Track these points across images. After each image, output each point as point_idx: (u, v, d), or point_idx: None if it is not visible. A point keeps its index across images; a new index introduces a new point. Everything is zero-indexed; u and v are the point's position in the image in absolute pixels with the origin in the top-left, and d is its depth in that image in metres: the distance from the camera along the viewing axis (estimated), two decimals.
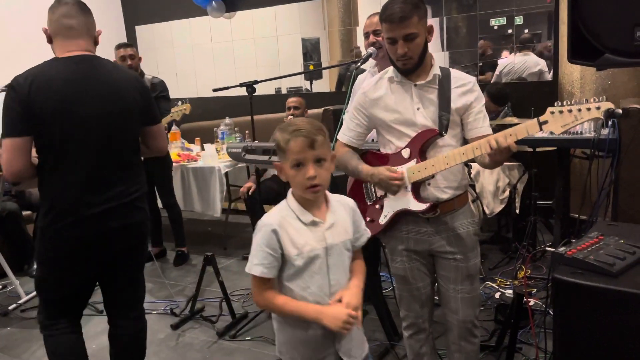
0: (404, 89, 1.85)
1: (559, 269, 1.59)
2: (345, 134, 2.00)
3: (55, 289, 2.04)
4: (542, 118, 1.58)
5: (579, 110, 1.51)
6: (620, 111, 1.49)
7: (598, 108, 1.48)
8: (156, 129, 2.18)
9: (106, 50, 6.52)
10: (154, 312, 3.34)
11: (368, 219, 1.98)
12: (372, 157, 1.96)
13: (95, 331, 3.15)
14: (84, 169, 1.92)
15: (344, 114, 2.77)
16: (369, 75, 2.72)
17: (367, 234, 1.63)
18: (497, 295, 3.15)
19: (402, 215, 1.89)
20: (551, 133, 1.60)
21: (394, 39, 1.75)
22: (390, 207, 1.90)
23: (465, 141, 1.90)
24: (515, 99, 4.12)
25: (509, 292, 3.14)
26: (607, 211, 3.10)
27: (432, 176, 1.82)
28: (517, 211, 3.82)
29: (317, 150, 1.43)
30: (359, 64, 2.56)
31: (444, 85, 1.82)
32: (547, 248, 3.58)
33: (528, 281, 3.25)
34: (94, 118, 1.92)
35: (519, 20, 4.40)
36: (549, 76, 4.33)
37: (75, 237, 1.94)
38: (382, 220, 1.93)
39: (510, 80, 4.45)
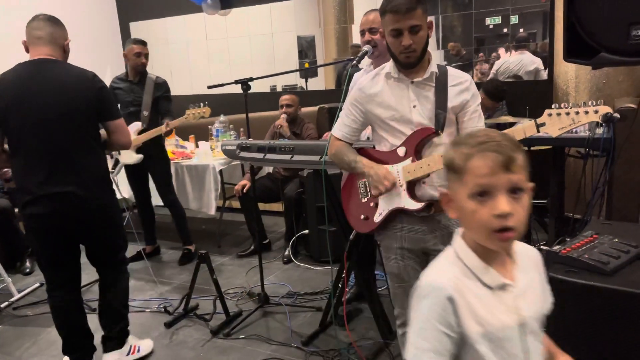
0: (401, 86, 1.84)
1: (553, 268, 1.59)
2: (340, 129, 1.99)
3: (41, 257, 2.44)
4: (539, 120, 1.58)
5: (577, 113, 1.51)
6: (618, 115, 1.50)
7: (596, 112, 1.48)
8: (113, 125, 2.43)
9: (100, 45, 6.50)
10: (147, 310, 3.32)
11: (362, 216, 1.97)
12: (367, 154, 1.95)
13: None
14: (36, 156, 2.25)
15: (339, 111, 2.77)
16: (364, 74, 2.71)
17: (551, 297, 1.17)
18: None
19: (397, 214, 1.88)
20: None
21: (399, 31, 1.74)
22: (386, 205, 1.89)
23: None
24: (510, 97, 4.13)
25: None
26: (602, 210, 3.11)
27: (428, 175, 1.81)
28: None
29: (514, 174, 0.98)
30: (354, 61, 2.56)
31: (440, 83, 1.81)
32: (542, 247, 3.59)
33: None
34: (39, 113, 2.23)
35: (514, 19, 4.41)
36: (544, 74, 4.34)
37: (34, 214, 2.30)
38: (377, 218, 1.92)
39: (506, 78, 4.45)
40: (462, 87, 1.83)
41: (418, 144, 1.81)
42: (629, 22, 1.53)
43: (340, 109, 2.74)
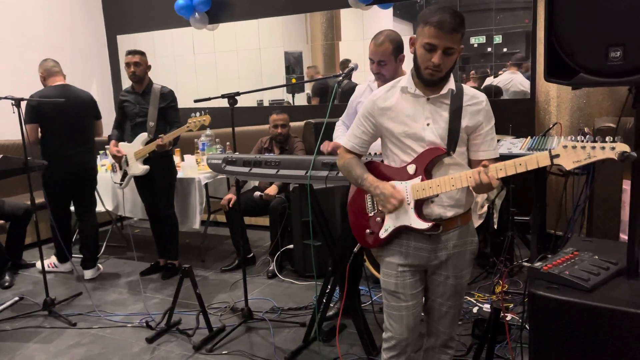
0: (416, 102, 1.80)
1: (535, 284, 1.60)
2: (350, 140, 1.95)
3: (53, 202, 3.90)
4: (554, 151, 1.56)
5: (593, 148, 1.49)
6: (634, 154, 1.46)
7: (613, 148, 1.46)
8: (98, 122, 4.19)
9: (87, 57, 6.48)
10: (129, 324, 3.28)
11: (368, 230, 1.93)
12: (376, 167, 1.92)
13: (67, 344, 3.08)
14: (67, 137, 3.93)
15: (325, 126, 2.78)
16: (368, 89, 2.72)
17: None
18: (475, 309, 3.17)
19: (403, 230, 1.85)
20: (557, 166, 1.57)
21: (434, 47, 1.68)
22: (392, 221, 1.85)
23: (470, 160, 1.87)
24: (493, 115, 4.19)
25: (486, 307, 3.16)
26: (582, 227, 3.15)
27: (437, 195, 1.78)
28: (495, 226, 3.87)
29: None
30: (340, 78, 2.58)
31: (455, 101, 1.78)
32: (524, 263, 3.62)
33: (505, 296, 3.27)
34: (71, 113, 3.92)
35: (497, 39, 4.50)
36: (528, 97, 4.42)
37: (60, 170, 3.90)
38: (383, 234, 1.88)
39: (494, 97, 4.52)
40: (478, 107, 1.79)
41: (429, 163, 1.78)
42: (608, 43, 1.56)
43: (327, 125, 2.76)
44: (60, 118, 3.85)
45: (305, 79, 5.38)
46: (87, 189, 4.14)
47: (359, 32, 5.02)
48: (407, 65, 1.90)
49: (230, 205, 4.06)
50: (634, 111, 1.63)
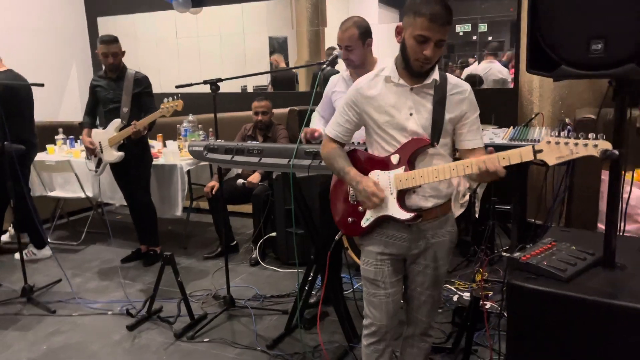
0: (400, 92, 1.79)
1: (513, 274, 1.62)
2: (333, 129, 1.93)
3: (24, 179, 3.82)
4: (537, 147, 1.57)
5: (576, 144, 1.52)
6: (617, 152, 1.49)
7: (595, 146, 1.49)
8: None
9: (67, 40, 6.32)
10: (109, 312, 3.25)
11: (350, 219, 1.94)
12: (360, 156, 1.91)
13: (47, 332, 3.05)
14: (23, 119, 3.86)
15: (309, 113, 2.77)
16: (341, 79, 2.70)
17: None
18: (455, 297, 3.21)
19: (384, 220, 1.86)
20: (542, 162, 1.59)
21: (427, 39, 1.67)
22: (374, 211, 1.86)
23: (455, 150, 1.87)
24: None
25: (466, 295, 3.20)
26: (562, 217, 3.20)
27: (419, 185, 1.79)
28: (477, 215, 3.90)
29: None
30: (324, 65, 2.56)
31: (439, 91, 1.77)
32: (504, 253, 3.67)
33: (485, 284, 3.31)
34: (24, 99, 3.89)
35: (483, 27, 4.50)
36: (510, 85, 4.44)
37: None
38: (364, 223, 1.89)
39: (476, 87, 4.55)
40: (461, 97, 1.79)
41: (412, 154, 1.78)
42: (589, 36, 1.57)
43: (311, 112, 2.75)
44: (17, 104, 3.72)
45: (273, 67, 5.34)
46: (29, 172, 4.14)
47: (345, 18, 4.97)
48: (390, 52, 1.88)
49: (214, 193, 4.03)
50: (614, 103, 1.64)
